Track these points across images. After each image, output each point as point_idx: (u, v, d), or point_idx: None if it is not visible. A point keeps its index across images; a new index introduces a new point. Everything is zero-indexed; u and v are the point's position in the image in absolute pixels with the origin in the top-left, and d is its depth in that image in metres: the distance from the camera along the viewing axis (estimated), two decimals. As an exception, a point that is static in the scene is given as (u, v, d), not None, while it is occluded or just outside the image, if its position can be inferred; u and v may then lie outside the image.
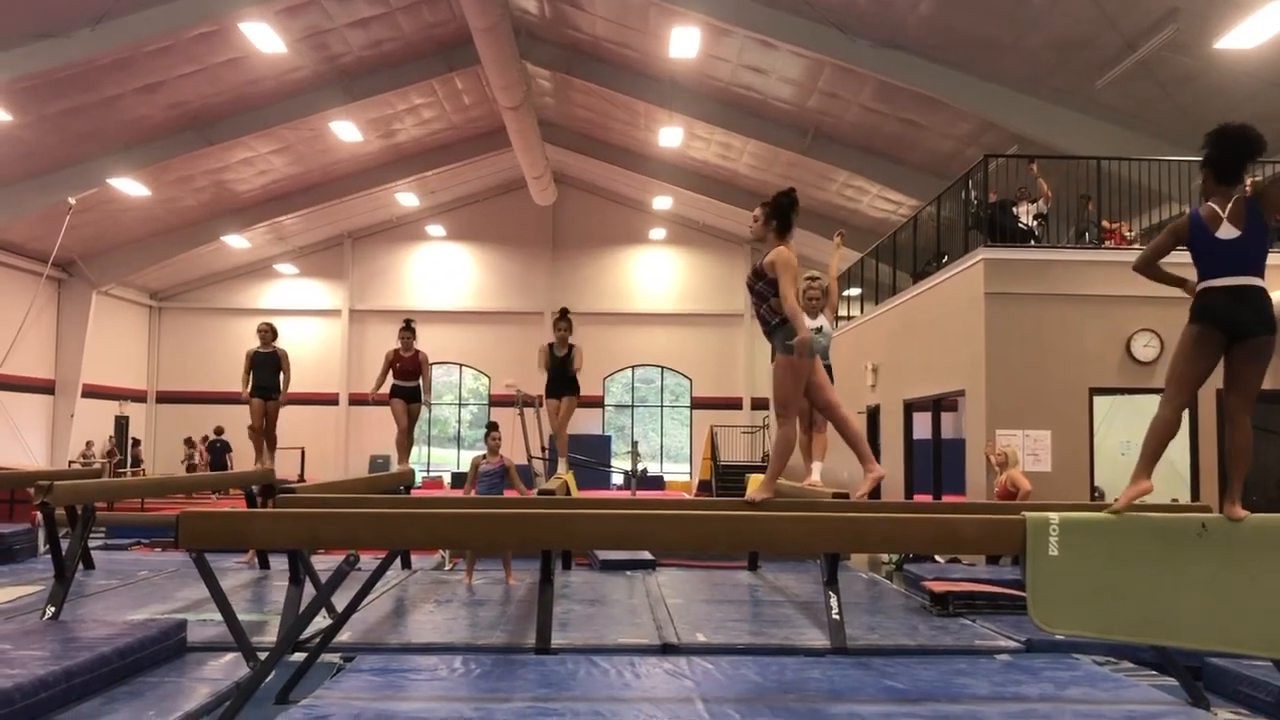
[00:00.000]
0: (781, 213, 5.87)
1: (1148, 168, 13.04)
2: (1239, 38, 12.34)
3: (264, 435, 10.68)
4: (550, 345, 9.78)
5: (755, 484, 9.53)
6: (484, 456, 9.20)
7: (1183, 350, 4.72)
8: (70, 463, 22.63)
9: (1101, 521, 4.48)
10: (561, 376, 9.72)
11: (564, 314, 9.70)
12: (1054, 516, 4.42)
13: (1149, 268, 4.88)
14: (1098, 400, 11.79)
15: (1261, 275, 4.60)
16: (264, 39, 16.40)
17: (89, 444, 24.40)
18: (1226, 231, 4.59)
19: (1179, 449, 12.30)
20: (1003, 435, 11.31)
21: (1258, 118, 14.95)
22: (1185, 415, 12.55)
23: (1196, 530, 4.36)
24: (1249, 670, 5.58)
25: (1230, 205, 4.63)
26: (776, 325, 5.81)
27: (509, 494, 8.95)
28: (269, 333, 10.80)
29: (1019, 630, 6.73)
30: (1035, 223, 13.13)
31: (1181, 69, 13.56)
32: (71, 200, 19.76)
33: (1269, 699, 5.31)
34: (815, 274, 8.01)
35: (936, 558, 10.14)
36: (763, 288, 5.82)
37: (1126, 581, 4.31)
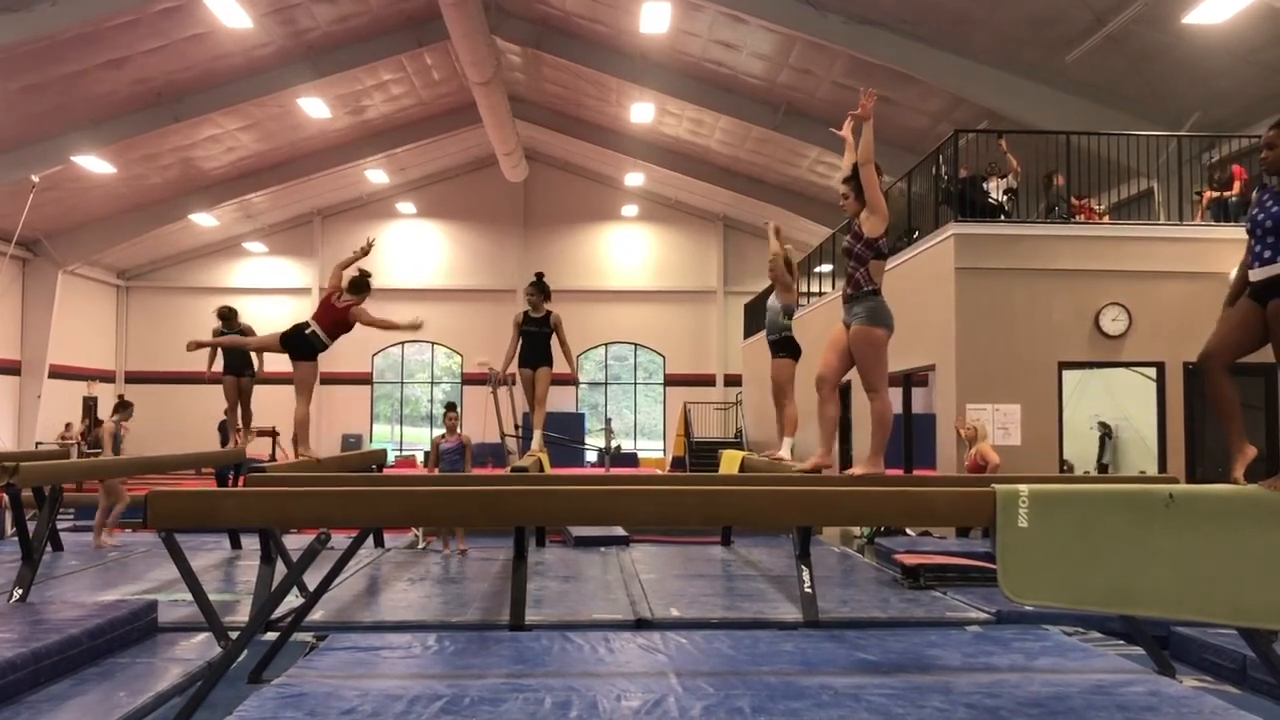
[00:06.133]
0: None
1: (1117, 142, 13.10)
2: (1207, 12, 12.38)
3: (241, 412, 10.57)
4: (525, 313, 9.30)
5: (729, 460, 9.60)
6: (443, 435, 9.68)
7: None
8: (38, 444, 22.35)
9: (1070, 493, 4.52)
10: (535, 344, 9.19)
11: (539, 278, 9.33)
12: (1023, 489, 4.44)
13: None
14: (1067, 374, 11.89)
15: None
16: (229, 13, 16.13)
17: (68, 425, 24.04)
18: None
19: (1147, 424, 12.43)
20: (973, 409, 11.39)
21: (1226, 93, 15.03)
22: (1153, 389, 12.64)
23: (1164, 501, 4.39)
24: (1214, 639, 5.67)
25: None
26: (867, 294, 5.77)
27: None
28: (230, 316, 10.31)
29: (989, 602, 6.80)
30: (1005, 198, 13.16)
31: (1151, 44, 13.61)
32: (35, 178, 19.44)
33: (1233, 666, 5.41)
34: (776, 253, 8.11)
35: (908, 531, 10.22)
36: (861, 250, 5.77)
37: (1095, 552, 4.34)
